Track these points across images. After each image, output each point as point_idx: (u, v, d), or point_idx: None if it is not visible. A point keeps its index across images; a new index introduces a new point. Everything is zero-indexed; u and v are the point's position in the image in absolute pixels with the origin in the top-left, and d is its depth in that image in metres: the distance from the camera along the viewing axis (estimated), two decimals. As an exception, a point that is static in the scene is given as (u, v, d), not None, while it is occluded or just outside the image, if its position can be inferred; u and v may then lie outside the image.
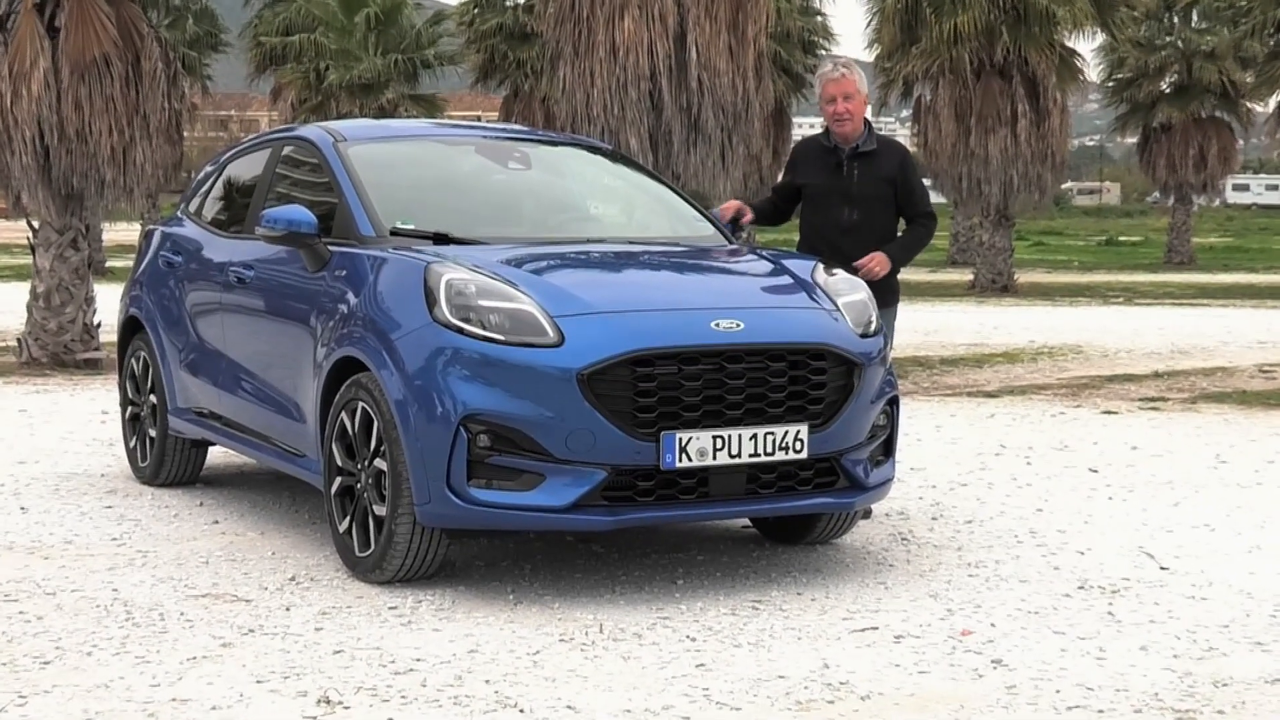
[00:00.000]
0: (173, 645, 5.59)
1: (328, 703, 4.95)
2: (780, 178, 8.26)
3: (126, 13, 14.81)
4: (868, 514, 7.73)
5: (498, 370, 6.04)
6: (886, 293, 7.62)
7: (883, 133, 8.12)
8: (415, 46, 36.63)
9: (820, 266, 7.06)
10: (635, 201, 8.31)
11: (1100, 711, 4.92)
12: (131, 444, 9.10)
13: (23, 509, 8.11)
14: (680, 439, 6.05)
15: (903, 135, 59.21)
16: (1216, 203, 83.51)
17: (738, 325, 6.27)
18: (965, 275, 32.77)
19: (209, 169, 9.13)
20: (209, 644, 5.60)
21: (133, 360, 9.08)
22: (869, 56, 32.71)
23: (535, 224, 7.77)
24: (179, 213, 9.14)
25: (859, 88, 7.78)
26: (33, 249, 15.31)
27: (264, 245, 7.52)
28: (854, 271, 7.42)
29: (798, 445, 6.27)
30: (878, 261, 7.59)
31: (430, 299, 6.25)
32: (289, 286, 7.35)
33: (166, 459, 8.71)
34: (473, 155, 8.08)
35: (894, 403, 6.87)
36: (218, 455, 9.35)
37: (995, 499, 8.50)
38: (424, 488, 6.12)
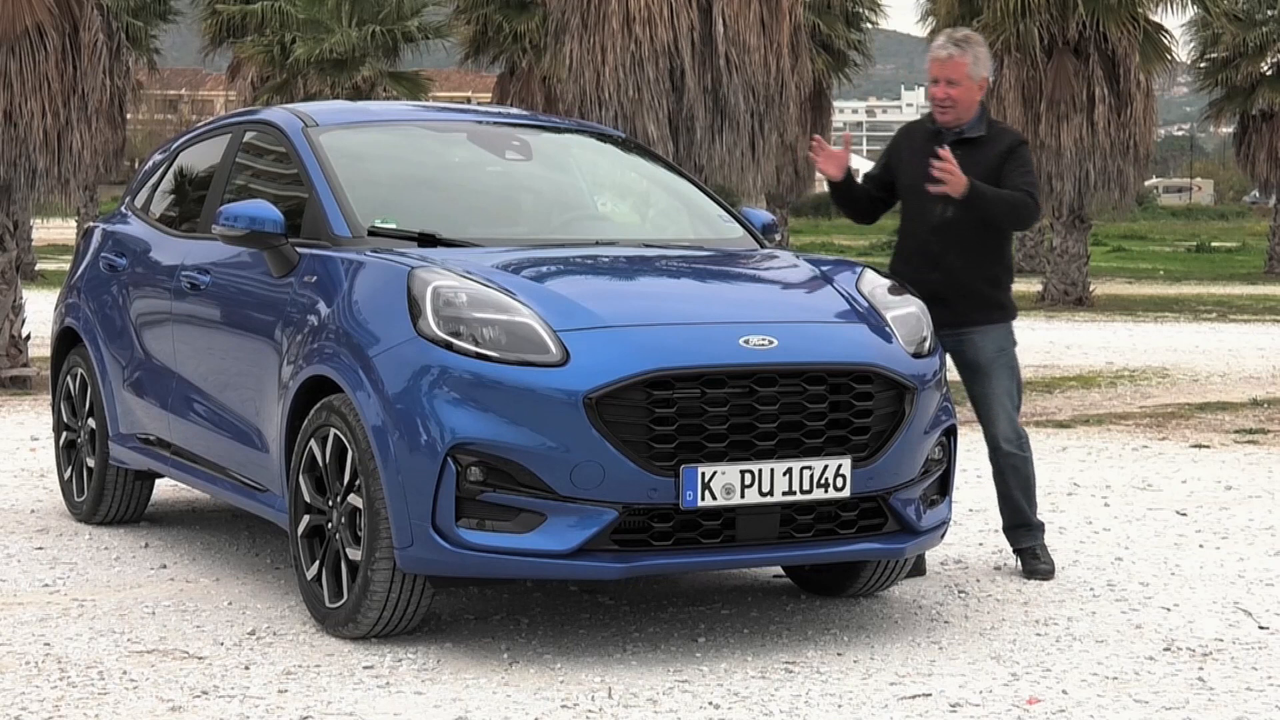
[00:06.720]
0: (114, 709, 5.60)
1: (293, 777, 4.98)
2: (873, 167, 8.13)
3: (63, -24, 14.87)
4: (921, 571, 7.73)
5: (492, 392, 6.07)
6: (991, 308, 7.65)
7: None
8: (396, 16, 36.72)
9: (866, 274, 7.08)
10: (651, 198, 8.34)
11: (1189, 794, 4.93)
12: (66, 475, 9.13)
13: (-60, 550, 8.15)
14: (703, 474, 6.07)
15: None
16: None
17: (770, 342, 6.29)
18: (1033, 285, 32.78)
19: (158, 158, 9.18)
20: (156, 707, 5.62)
21: (68, 378, 9.11)
22: (923, 31, 32.75)
23: (536, 223, 7.80)
24: (123, 208, 9.18)
25: (970, 72, 7.66)
26: (-49, 249, 15.36)
27: (222, 246, 7.55)
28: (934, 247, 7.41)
29: (839, 482, 6.29)
30: (953, 171, 7.33)
31: (414, 309, 6.28)
32: (250, 294, 7.38)
33: (107, 493, 8.74)
34: (463, 143, 8.13)
35: (951, 433, 6.89)
36: (166, 489, 9.37)
37: (1067, 546, 8.50)
38: (405, 528, 6.14)
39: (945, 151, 7.39)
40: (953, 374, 7.96)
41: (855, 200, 7.91)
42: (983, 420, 7.81)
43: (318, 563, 6.65)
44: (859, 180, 7.88)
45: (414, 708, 5.64)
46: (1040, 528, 7.87)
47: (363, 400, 6.31)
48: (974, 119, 7.73)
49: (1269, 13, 41.42)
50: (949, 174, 7.36)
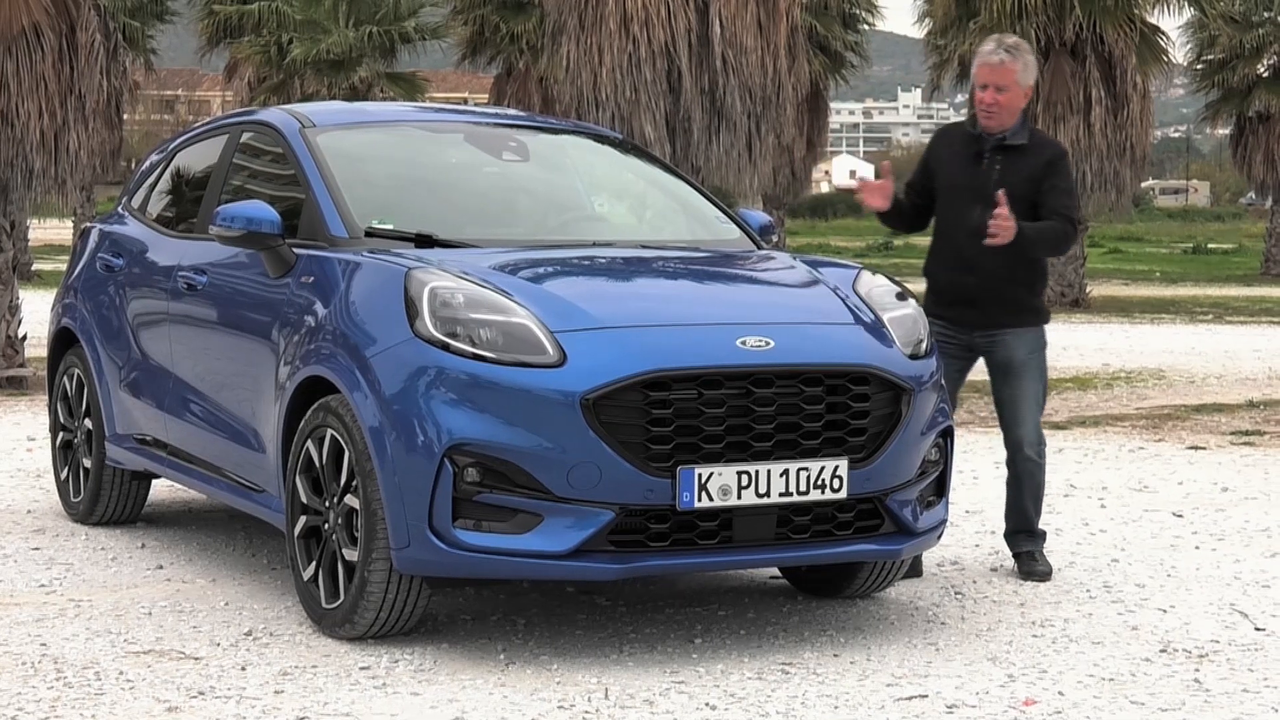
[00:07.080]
0: (110, 710, 5.60)
1: (290, 777, 4.98)
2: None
3: (61, -24, 14.85)
4: (918, 573, 7.73)
5: (489, 393, 6.07)
6: (1024, 311, 7.72)
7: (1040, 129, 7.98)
8: (393, 17, 36.73)
9: (863, 275, 7.08)
10: (648, 199, 8.34)
11: (1186, 795, 4.93)
12: (63, 476, 9.13)
13: (-64, 550, 8.15)
14: (700, 475, 6.07)
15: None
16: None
17: (767, 344, 6.29)
18: (1029, 287, 32.82)
19: (155, 158, 9.18)
20: (152, 708, 5.62)
21: (65, 379, 9.11)
22: (919, 32, 32.75)
23: (533, 224, 7.80)
24: (120, 208, 9.18)
25: (1019, 79, 7.62)
26: (-52, 249, 15.35)
27: (219, 247, 7.55)
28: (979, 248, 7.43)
29: (836, 483, 6.29)
30: (1003, 222, 7.29)
31: (411, 310, 6.28)
32: (247, 294, 7.38)
33: (103, 493, 8.73)
34: (460, 144, 8.12)
35: (947, 435, 6.89)
36: (163, 489, 9.37)
37: (1064, 547, 8.50)
38: (402, 529, 6.14)
39: (1002, 200, 7.36)
40: (978, 376, 8.00)
41: (903, 216, 7.95)
42: (1007, 423, 7.83)
43: (314, 563, 6.65)
44: (901, 194, 7.93)
45: (410, 708, 5.63)
46: (1042, 536, 7.91)
47: (360, 401, 6.31)
48: (1016, 125, 7.72)
49: (1265, 15, 41.40)
50: (1004, 227, 7.34)
